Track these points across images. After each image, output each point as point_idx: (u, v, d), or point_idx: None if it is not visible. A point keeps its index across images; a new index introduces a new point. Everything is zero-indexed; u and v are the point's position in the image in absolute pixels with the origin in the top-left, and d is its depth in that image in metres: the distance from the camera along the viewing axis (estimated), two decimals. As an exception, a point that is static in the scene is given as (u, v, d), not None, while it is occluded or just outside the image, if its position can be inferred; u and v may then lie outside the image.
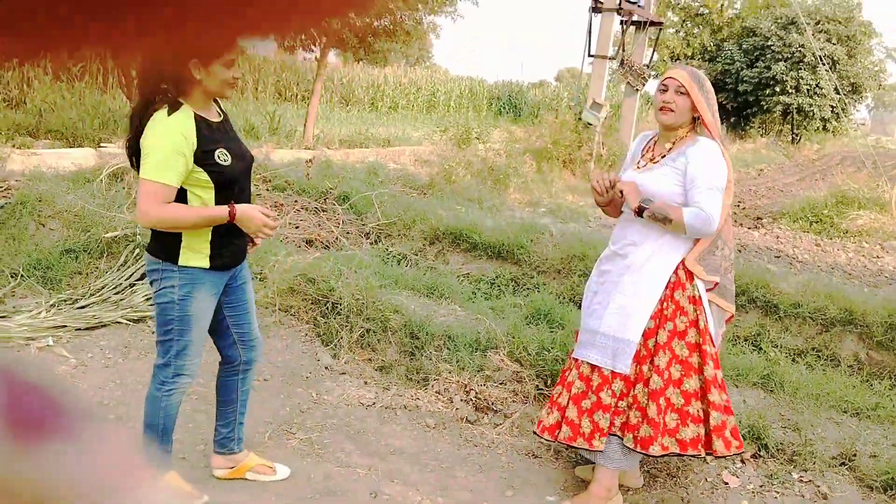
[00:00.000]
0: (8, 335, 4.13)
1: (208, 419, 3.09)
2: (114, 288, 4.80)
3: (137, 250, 5.10)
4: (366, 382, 4.07)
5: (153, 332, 4.35)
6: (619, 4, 13.73)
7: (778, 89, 29.78)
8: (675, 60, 32.61)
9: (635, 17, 14.46)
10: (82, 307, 4.58)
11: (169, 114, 2.45)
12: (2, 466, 0.29)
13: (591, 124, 13.39)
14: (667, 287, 2.96)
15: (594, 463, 3.15)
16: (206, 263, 2.58)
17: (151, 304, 4.57)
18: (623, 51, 14.53)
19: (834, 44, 29.35)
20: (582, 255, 5.79)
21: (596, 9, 14.03)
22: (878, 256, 8.45)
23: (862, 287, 6.17)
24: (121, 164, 6.56)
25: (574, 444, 3.04)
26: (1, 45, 0.26)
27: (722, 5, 33.37)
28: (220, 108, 2.71)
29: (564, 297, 5.43)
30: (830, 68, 27.47)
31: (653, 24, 15.18)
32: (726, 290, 3.13)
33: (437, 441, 3.58)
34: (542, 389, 3.94)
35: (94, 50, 0.27)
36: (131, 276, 4.91)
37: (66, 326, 4.33)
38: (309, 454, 3.34)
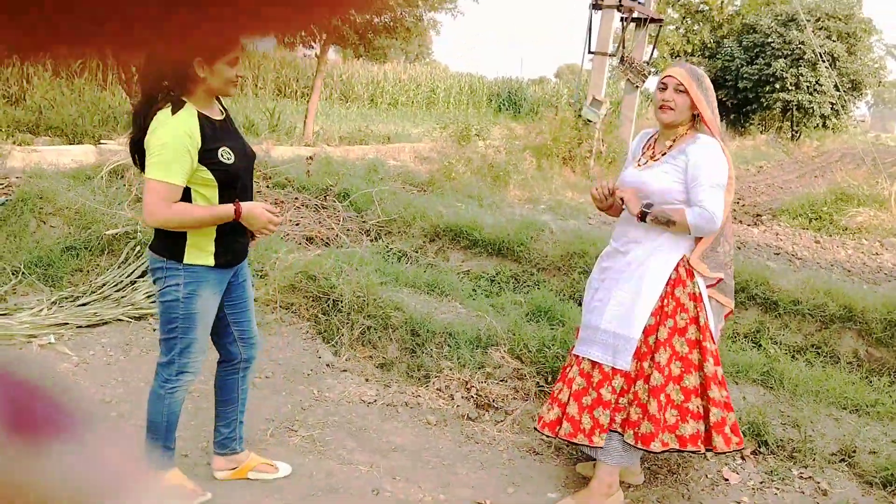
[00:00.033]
0: (10, 333, 4.13)
1: (210, 417, 3.10)
2: (115, 285, 4.81)
3: (138, 247, 5.10)
4: (367, 379, 4.09)
5: (154, 330, 4.37)
6: (620, 1, 13.71)
7: (778, 86, 29.78)
8: (676, 57, 32.60)
9: (635, 14, 14.44)
10: (83, 305, 4.59)
11: (173, 112, 2.45)
12: (2, 466, 0.29)
13: (591, 121, 13.39)
14: (667, 284, 2.98)
15: (595, 459, 3.16)
16: (210, 261, 2.58)
17: (153, 302, 4.58)
18: (623, 47, 14.52)
19: (834, 41, 29.35)
20: (582, 252, 5.79)
21: (596, 5, 14.01)
22: (877, 253, 8.47)
23: (861, 284, 6.18)
24: (121, 160, 6.56)
25: (574, 441, 3.05)
26: (3, 41, 0.26)
27: (722, 2, 33.36)
28: (222, 105, 2.72)
29: (565, 295, 5.44)
30: (830, 65, 27.48)
31: (653, 20, 15.16)
32: (726, 286, 3.15)
33: (438, 438, 3.59)
34: (542, 386, 3.95)
35: (96, 48, 0.27)
36: (132, 273, 4.91)
37: (67, 324, 4.33)
38: (310, 451, 3.36)
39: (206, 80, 2.50)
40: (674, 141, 3.02)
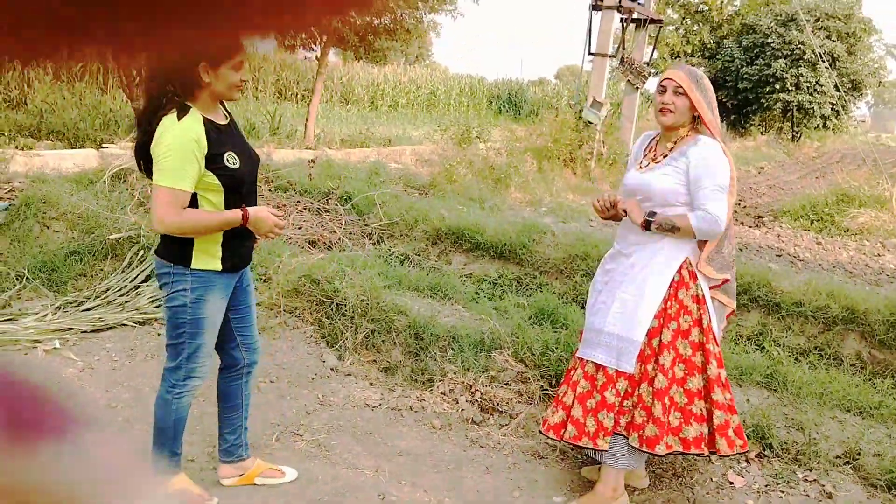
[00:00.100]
0: (15, 338, 4.14)
1: (216, 421, 3.10)
2: (119, 290, 4.82)
3: (142, 252, 5.11)
4: (371, 383, 4.09)
5: (159, 335, 4.38)
6: (619, 2, 13.73)
7: (778, 87, 29.81)
8: (675, 58, 32.61)
9: (635, 15, 14.46)
10: (88, 309, 4.60)
11: (179, 118, 2.46)
12: (2, 469, 0.29)
13: (591, 123, 13.39)
14: (670, 286, 2.98)
15: (600, 463, 3.17)
16: (218, 266, 2.59)
17: (157, 307, 4.60)
18: (623, 49, 14.53)
19: (834, 41, 29.37)
20: (584, 254, 5.80)
21: (596, 6, 14.03)
22: (878, 255, 8.47)
23: (863, 285, 6.19)
24: (123, 164, 6.57)
25: (579, 444, 3.06)
26: (4, 45, 0.27)
27: (722, 2, 33.38)
28: (226, 109, 2.72)
29: (567, 297, 5.45)
30: (830, 65, 27.50)
31: (653, 21, 15.18)
32: (728, 286, 3.17)
33: (443, 442, 3.60)
34: (546, 390, 3.96)
35: (98, 51, 0.27)
36: (136, 277, 4.92)
37: (72, 329, 4.34)
38: (316, 456, 3.36)
39: (211, 84, 2.50)
40: (675, 143, 3.03)
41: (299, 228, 6.37)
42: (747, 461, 3.50)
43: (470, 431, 3.70)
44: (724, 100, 30.57)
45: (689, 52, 33.31)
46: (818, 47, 25.66)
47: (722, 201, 2.88)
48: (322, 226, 6.57)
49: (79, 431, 0.32)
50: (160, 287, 2.68)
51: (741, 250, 7.85)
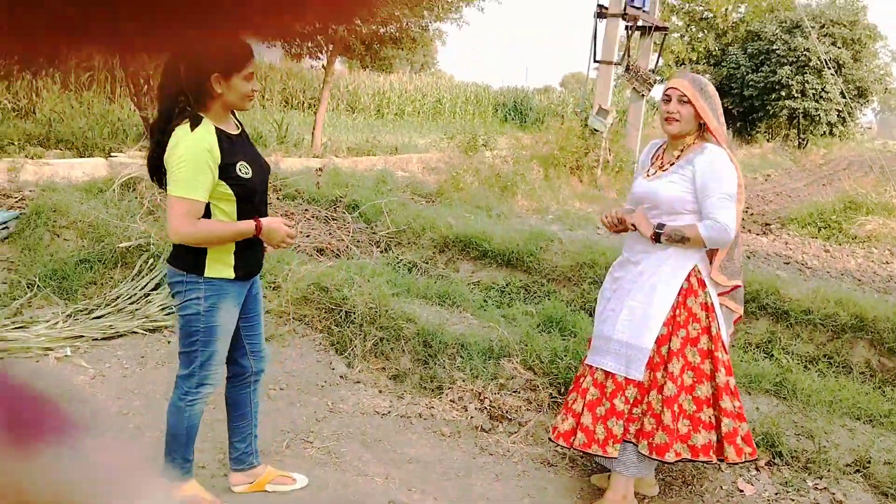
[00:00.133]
0: (26, 345, 4.17)
1: (226, 429, 3.11)
2: (129, 298, 4.85)
3: (152, 260, 5.14)
4: (380, 391, 4.10)
5: (169, 342, 4.40)
6: (624, 10, 13.76)
7: (783, 94, 29.76)
8: (681, 65, 32.63)
9: (640, 23, 14.49)
10: (98, 317, 4.62)
11: (192, 128, 2.48)
12: (2, 471, 0.30)
13: (597, 130, 13.40)
14: (679, 294, 2.99)
15: (610, 471, 3.17)
16: (230, 274, 2.61)
17: (167, 314, 4.62)
18: (628, 56, 14.56)
19: (839, 47, 29.34)
20: (592, 262, 5.81)
21: (601, 14, 14.07)
22: (887, 262, 8.45)
23: (872, 293, 6.17)
24: (133, 173, 6.61)
25: (589, 451, 3.06)
26: (5, 45, 0.27)
27: (726, 9, 33.39)
28: (236, 119, 2.75)
29: (575, 305, 5.45)
30: (836, 72, 27.46)
31: (657, 28, 15.21)
32: (737, 292, 3.19)
33: (452, 449, 3.61)
34: (555, 398, 3.96)
35: (98, 50, 0.28)
36: (146, 286, 4.95)
37: (83, 337, 4.37)
38: (326, 463, 3.37)
39: (223, 95, 2.53)
40: (682, 151, 3.05)
41: (307, 236, 6.40)
42: (757, 469, 3.50)
43: (479, 439, 3.71)
44: (730, 107, 30.55)
45: (695, 59, 33.32)
46: (824, 54, 25.63)
47: (730, 209, 2.89)
48: (330, 234, 6.60)
49: (78, 435, 0.32)
50: (172, 295, 2.70)
51: (748, 258, 7.85)
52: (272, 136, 12.31)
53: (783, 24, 30.33)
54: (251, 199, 2.64)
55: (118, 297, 4.85)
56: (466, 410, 3.90)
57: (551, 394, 3.99)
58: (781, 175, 22.51)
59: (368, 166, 10.89)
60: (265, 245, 2.79)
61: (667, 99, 3.02)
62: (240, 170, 2.57)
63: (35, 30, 0.27)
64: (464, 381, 4.05)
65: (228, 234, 2.57)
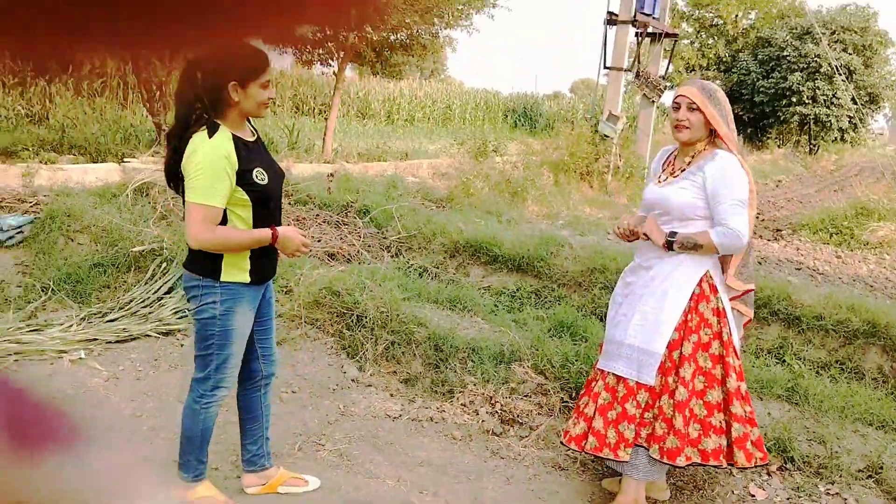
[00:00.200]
0: (41, 348, 4.21)
1: (238, 430, 3.14)
2: (142, 301, 4.88)
3: (164, 264, 5.18)
4: (392, 394, 4.12)
5: (182, 345, 4.44)
6: (634, 17, 13.77)
7: (794, 100, 29.67)
8: (691, 72, 32.58)
9: (650, 29, 14.49)
10: (112, 320, 4.66)
11: (209, 136, 2.51)
12: (4, 476, 0.30)
13: (607, 136, 13.41)
14: (691, 299, 3.00)
15: (621, 475, 3.17)
16: (246, 278, 2.64)
17: (180, 318, 4.65)
18: (638, 62, 14.56)
19: (850, 54, 29.24)
20: (602, 267, 5.81)
21: (611, 21, 14.09)
22: (899, 268, 8.41)
23: (884, 299, 6.15)
24: (146, 178, 6.67)
25: (600, 455, 3.07)
26: (5, 45, 0.27)
27: (736, 16, 33.34)
28: (252, 126, 2.78)
29: (586, 310, 5.46)
30: (847, 78, 27.36)
31: (668, 35, 15.20)
32: (748, 296, 3.20)
33: (463, 453, 3.62)
34: (567, 402, 3.97)
35: (99, 50, 0.29)
36: (159, 289, 4.99)
37: (97, 339, 4.41)
38: (338, 466, 3.39)
39: (240, 103, 2.55)
40: (692, 157, 3.05)
41: (318, 241, 6.43)
42: (769, 474, 3.49)
43: (490, 443, 3.72)
44: (741, 113, 30.48)
45: (705, 65, 33.26)
46: (834, 60, 25.56)
47: (742, 215, 2.90)
48: (341, 238, 6.63)
49: (79, 441, 0.32)
50: (188, 300, 2.73)
51: (760, 263, 7.83)
52: (283, 142, 12.37)
53: (794, 31, 30.25)
54: (267, 205, 2.67)
55: (131, 301, 4.89)
56: (478, 414, 3.91)
57: (562, 398, 3.99)
58: (793, 181, 22.44)
59: (379, 172, 10.93)
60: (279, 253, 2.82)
61: (676, 106, 3.03)
62: (256, 176, 2.60)
63: (36, 30, 0.27)
64: (475, 385, 4.07)
65: (246, 242, 2.61)
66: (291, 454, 3.45)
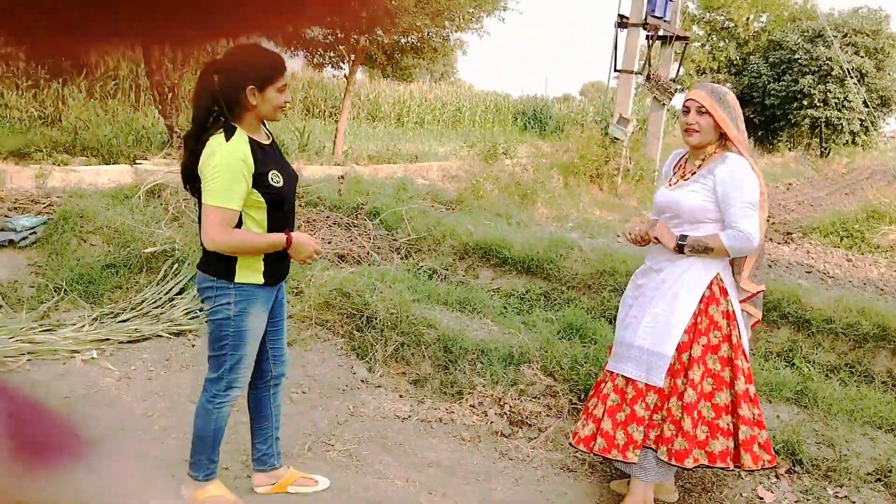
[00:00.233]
0: (53, 348, 4.25)
1: (249, 430, 3.16)
2: (154, 302, 4.93)
3: (176, 265, 5.23)
4: (401, 395, 4.14)
5: (194, 346, 4.47)
6: (645, 20, 13.77)
7: (805, 103, 29.53)
8: (702, 74, 32.48)
9: (661, 32, 14.48)
10: (124, 321, 4.70)
11: (227, 139, 2.54)
12: (10, 486, 0.30)
13: (617, 139, 13.40)
14: (701, 302, 3.01)
15: (629, 477, 3.18)
16: (260, 279, 2.67)
17: (192, 318, 4.69)
18: (649, 65, 14.55)
19: (862, 56, 29.08)
20: (612, 270, 5.81)
21: (622, 24, 14.09)
22: (910, 272, 8.36)
23: (895, 303, 6.12)
24: (158, 180, 6.72)
25: (608, 456, 3.08)
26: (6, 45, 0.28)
27: (748, 19, 33.22)
28: (267, 130, 2.81)
29: (596, 313, 5.46)
30: (859, 81, 27.22)
31: (678, 38, 15.19)
32: (757, 298, 3.20)
33: (472, 454, 3.63)
34: (575, 404, 3.98)
35: (105, 52, 0.30)
36: (171, 290, 5.03)
37: (109, 340, 4.45)
38: (348, 466, 3.41)
39: (257, 106, 2.59)
40: (703, 160, 3.07)
41: (329, 243, 6.46)
42: (777, 477, 3.49)
43: (499, 444, 3.73)
44: (752, 116, 30.36)
45: (716, 68, 33.14)
46: (846, 63, 25.44)
47: (753, 218, 2.91)
48: (351, 240, 6.66)
49: (78, 451, 0.33)
50: (202, 301, 2.76)
51: (770, 266, 7.81)
52: (294, 144, 12.41)
53: (805, 34, 30.12)
54: (281, 207, 2.71)
55: (143, 302, 4.93)
56: (486, 416, 3.93)
57: (571, 400, 4.00)
58: (803, 184, 22.34)
59: (389, 174, 10.96)
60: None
61: (686, 110, 3.04)
62: (272, 178, 2.63)
63: (36, 30, 0.27)
64: (484, 386, 4.08)
65: (261, 246, 2.64)
66: (301, 454, 3.47)
